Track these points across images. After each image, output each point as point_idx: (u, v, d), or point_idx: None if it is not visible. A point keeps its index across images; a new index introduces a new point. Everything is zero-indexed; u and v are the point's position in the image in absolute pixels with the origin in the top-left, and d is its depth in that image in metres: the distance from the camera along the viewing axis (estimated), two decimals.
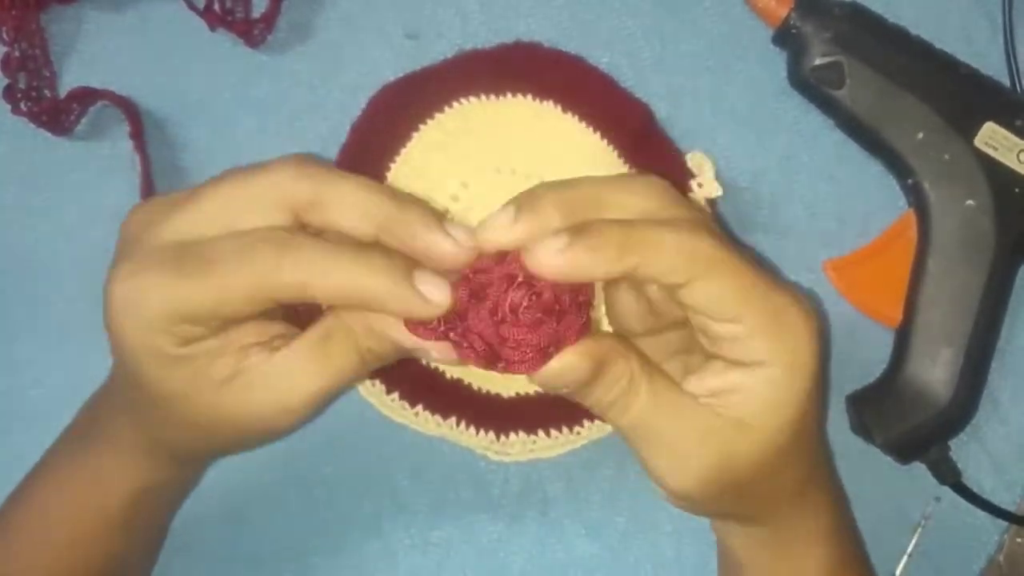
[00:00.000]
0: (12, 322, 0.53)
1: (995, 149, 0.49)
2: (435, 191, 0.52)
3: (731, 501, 0.41)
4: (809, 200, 0.53)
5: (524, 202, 0.36)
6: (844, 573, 0.46)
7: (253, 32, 0.52)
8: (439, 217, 0.37)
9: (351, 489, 0.53)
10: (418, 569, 0.52)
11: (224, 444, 0.43)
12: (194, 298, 0.35)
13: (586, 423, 0.51)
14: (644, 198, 0.38)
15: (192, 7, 0.52)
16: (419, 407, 0.51)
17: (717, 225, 0.41)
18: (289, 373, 0.37)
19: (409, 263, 0.36)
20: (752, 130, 0.53)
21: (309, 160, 0.37)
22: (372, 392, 0.51)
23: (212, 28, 0.52)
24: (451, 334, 0.36)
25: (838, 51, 0.49)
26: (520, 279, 0.36)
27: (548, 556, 0.53)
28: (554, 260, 0.35)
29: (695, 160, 0.51)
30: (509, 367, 0.36)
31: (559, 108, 0.51)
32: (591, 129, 0.51)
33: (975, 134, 0.49)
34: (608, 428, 0.50)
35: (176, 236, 0.37)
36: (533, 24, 0.53)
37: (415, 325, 0.36)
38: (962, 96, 0.49)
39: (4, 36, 0.51)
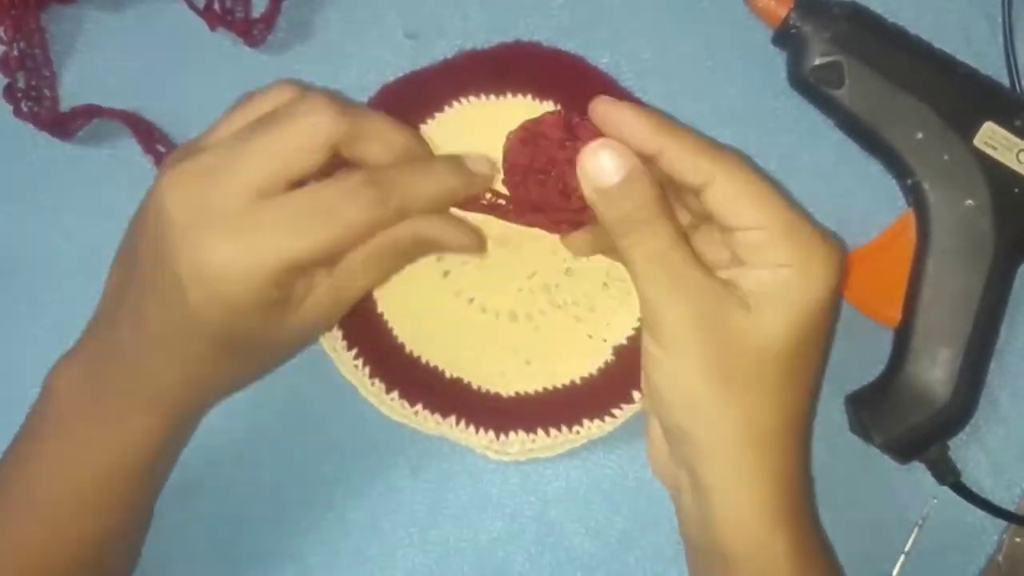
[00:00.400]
0: (12, 322, 0.53)
1: (994, 149, 0.49)
2: None
3: (705, 379, 0.40)
4: (808, 200, 0.53)
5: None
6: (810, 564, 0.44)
7: (253, 32, 0.52)
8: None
9: (350, 488, 0.53)
10: (417, 568, 0.52)
11: (259, 367, 0.46)
12: (316, 248, 0.40)
13: (585, 422, 0.51)
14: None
15: (192, 7, 0.52)
16: (419, 406, 0.51)
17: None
18: (352, 273, 0.42)
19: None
20: (751, 130, 0.53)
21: (338, 99, 0.41)
22: (372, 391, 0.51)
23: (212, 28, 0.52)
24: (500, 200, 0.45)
25: (837, 51, 0.49)
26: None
27: (547, 556, 0.53)
28: (605, 106, 0.41)
29: None
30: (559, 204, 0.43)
31: (560, 107, 0.51)
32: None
33: (974, 134, 0.49)
34: (608, 428, 0.50)
35: (248, 193, 0.39)
36: (533, 24, 0.53)
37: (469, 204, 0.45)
38: (961, 96, 0.49)
39: (2, 35, 0.51)
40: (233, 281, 0.39)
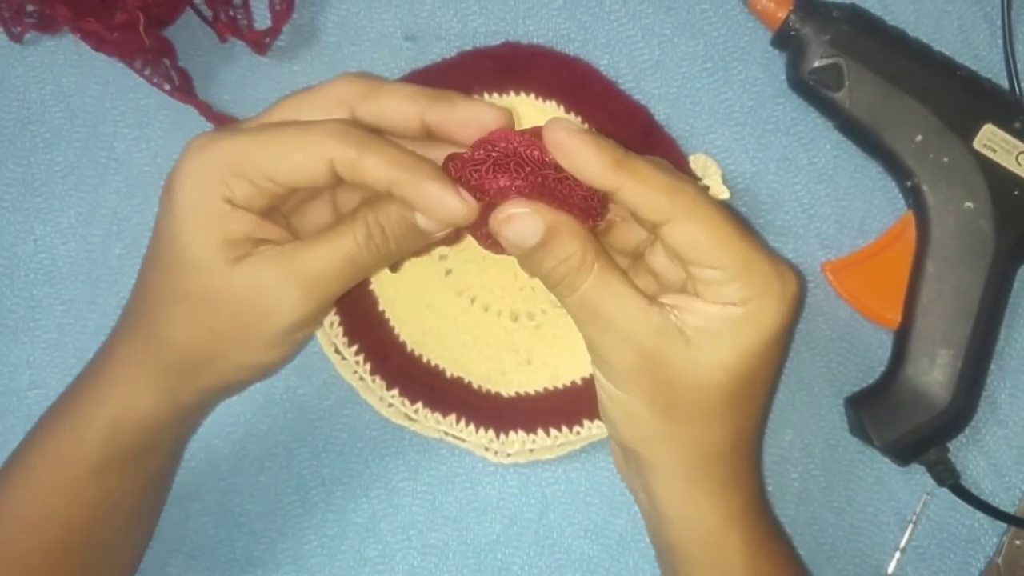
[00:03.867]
0: (10, 323, 0.53)
1: (994, 151, 0.49)
2: None
3: (649, 409, 0.41)
4: (808, 202, 0.53)
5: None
6: (763, 554, 0.45)
7: (265, 41, 0.52)
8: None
9: (349, 491, 0.53)
10: (416, 571, 0.52)
11: (231, 347, 0.42)
12: (253, 152, 0.39)
13: (586, 423, 0.51)
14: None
15: (202, 18, 0.52)
16: (419, 404, 0.51)
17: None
18: (300, 253, 0.40)
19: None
20: (751, 132, 0.53)
21: (358, 129, 0.41)
22: (371, 389, 0.51)
23: (223, 40, 0.52)
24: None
25: (837, 53, 0.49)
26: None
27: (547, 558, 0.53)
28: (564, 134, 0.39)
29: (699, 162, 0.51)
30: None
31: (562, 108, 0.51)
32: (593, 131, 0.51)
33: (974, 136, 0.49)
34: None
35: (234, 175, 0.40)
36: (532, 26, 0.53)
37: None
38: (961, 98, 0.49)
39: None
40: (186, 167, 0.40)
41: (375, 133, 0.41)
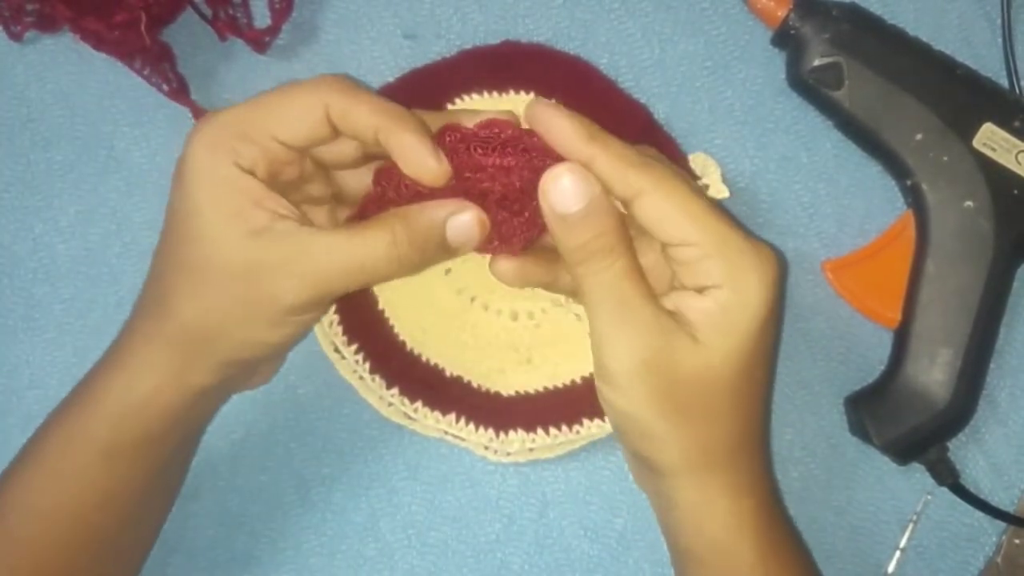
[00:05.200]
0: (9, 323, 0.53)
1: (994, 150, 0.49)
2: None
3: (657, 414, 0.41)
4: (807, 201, 0.53)
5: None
6: (774, 560, 0.45)
7: (264, 40, 0.52)
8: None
9: (348, 490, 0.53)
10: (415, 570, 0.52)
11: (236, 323, 0.42)
12: (252, 114, 0.41)
13: (585, 422, 0.51)
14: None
15: (201, 16, 0.52)
16: (418, 403, 0.51)
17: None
18: (316, 239, 0.41)
19: None
20: (751, 131, 0.53)
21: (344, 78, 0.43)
22: (370, 388, 0.51)
23: (222, 39, 0.52)
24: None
25: (837, 52, 0.49)
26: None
27: (546, 557, 0.52)
28: (541, 108, 0.41)
29: (698, 161, 0.51)
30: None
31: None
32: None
33: (974, 135, 0.49)
34: (607, 428, 0.50)
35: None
36: (532, 25, 0.53)
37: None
38: (961, 97, 0.49)
39: None
40: (194, 138, 0.41)
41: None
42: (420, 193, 0.42)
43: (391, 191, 0.43)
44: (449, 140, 0.42)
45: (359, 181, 0.45)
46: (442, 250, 0.43)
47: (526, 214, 0.43)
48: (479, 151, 0.42)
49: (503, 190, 0.42)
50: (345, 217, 0.46)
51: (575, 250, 0.41)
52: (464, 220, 0.42)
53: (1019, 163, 0.49)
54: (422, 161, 0.41)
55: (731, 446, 0.43)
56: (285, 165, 0.42)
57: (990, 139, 0.49)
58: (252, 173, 0.41)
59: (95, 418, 0.43)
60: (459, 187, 0.42)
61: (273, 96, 0.42)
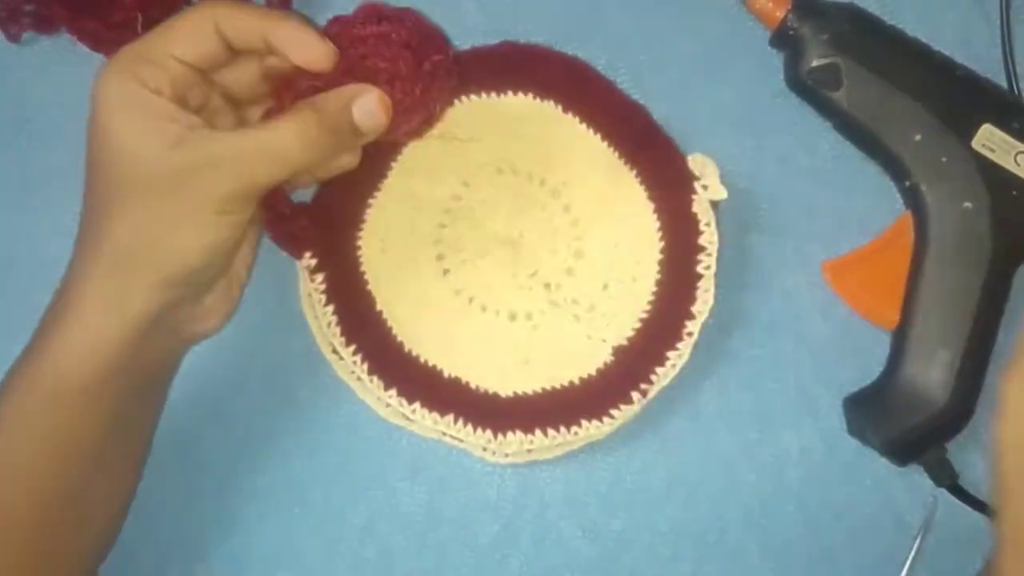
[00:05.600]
0: (8, 324, 0.53)
1: (992, 151, 0.49)
2: (437, 189, 0.52)
3: None
4: (806, 201, 0.53)
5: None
6: None
7: None
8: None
9: (347, 491, 0.53)
10: (414, 571, 0.52)
11: (170, 230, 0.43)
12: (150, 38, 0.43)
13: (584, 423, 0.50)
14: None
15: None
16: (416, 404, 0.51)
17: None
18: (234, 137, 0.44)
19: None
20: (749, 131, 0.53)
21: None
22: (368, 389, 0.51)
23: None
24: None
25: (835, 53, 0.49)
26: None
27: (544, 558, 0.52)
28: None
29: (697, 162, 0.51)
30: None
31: (559, 108, 0.51)
32: (591, 131, 0.51)
33: (972, 136, 0.49)
34: (606, 429, 0.50)
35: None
36: (530, 25, 0.53)
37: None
38: (959, 98, 0.49)
39: None
40: (103, 75, 0.42)
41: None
42: (316, 87, 0.45)
43: (289, 95, 0.45)
44: (332, 30, 0.46)
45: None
46: (353, 133, 0.45)
47: (417, 91, 0.46)
48: (359, 25, 0.46)
49: (389, 67, 0.45)
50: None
51: None
52: (368, 100, 0.45)
53: (1018, 164, 0.49)
54: (308, 43, 0.44)
55: None
56: (190, 88, 0.44)
57: (989, 140, 0.49)
58: (159, 93, 0.42)
59: (40, 366, 0.43)
60: (348, 72, 0.45)
61: (168, 21, 0.44)
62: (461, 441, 0.51)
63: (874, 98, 0.49)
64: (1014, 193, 0.49)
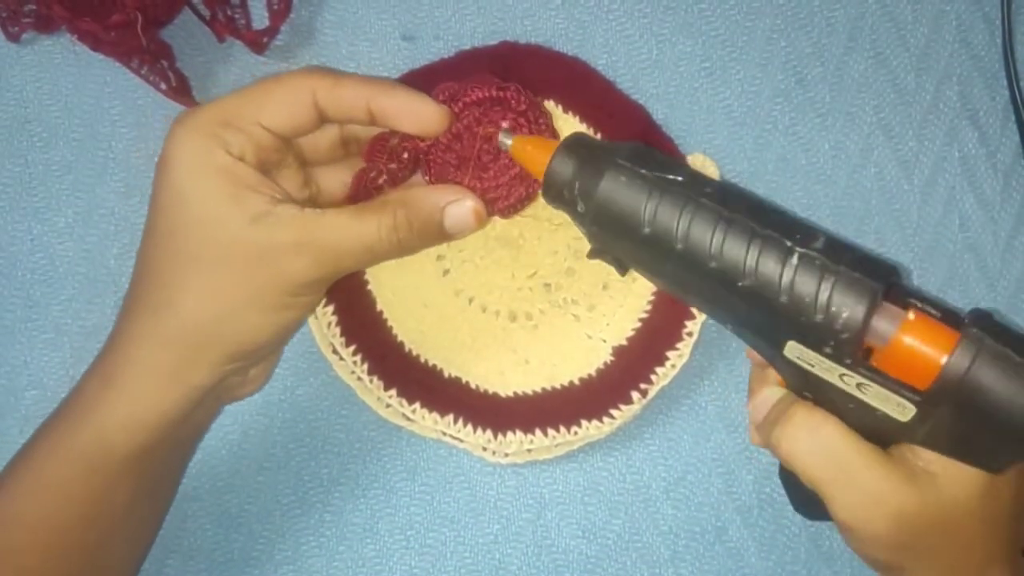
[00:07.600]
0: (8, 324, 0.53)
1: (812, 366, 0.39)
2: None
3: (906, 557, 0.40)
4: (805, 202, 0.53)
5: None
6: None
7: (263, 41, 0.52)
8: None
9: (347, 491, 0.53)
10: (414, 571, 0.52)
11: (240, 308, 0.41)
12: (237, 102, 0.41)
13: (583, 423, 0.50)
14: None
15: (199, 17, 0.52)
16: (417, 404, 0.51)
17: None
18: (324, 220, 0.41)
19: None
20: (749, 132, 0.53)
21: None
22: (369, 390, 0.51)
23: (220, 40, 0.52)
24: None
25: (603, 249, 0.42)
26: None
27: (544, 558, 0.52)
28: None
29: (697, 162, 0.51)
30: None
31: (560, 108, 0.51)
32: (591, 130, 0.51)
33: (783, 347, 0.39)
34: (606, 429, 0.50)
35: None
36: (530, 26, 0.53)
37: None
38: (744, 312, 0.39)
39: None
40: (177, 132, 0.40)
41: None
42: (415, 157, 0.44)
43: (383, 160, 0.44)
44: (440, 96, 0.44)
45: (334, 178, 0.46)
46: (440, 236, 0.43)
47: (514, 171, 0.44)
48: (473, 90, 0.44)
49: (495, 135, 0.44)
50: (343, 198, 0.46)
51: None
52: (463, 208, 0.43)
53: (845, 384, 0.39)
54: (423, 107, 0.42)
55: (981, 564, 0.41)
56: (271, 153, 0.42)
57: (802, 355, 0.39)
58: (242, 160, 0.40)
59: (83, 432, 0.42)
60: (456, 136, 0.44)
61: (259, 84, 0.42)
62: (461, 441, 0.51)
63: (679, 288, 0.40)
64: (851, 406, 0.40)
